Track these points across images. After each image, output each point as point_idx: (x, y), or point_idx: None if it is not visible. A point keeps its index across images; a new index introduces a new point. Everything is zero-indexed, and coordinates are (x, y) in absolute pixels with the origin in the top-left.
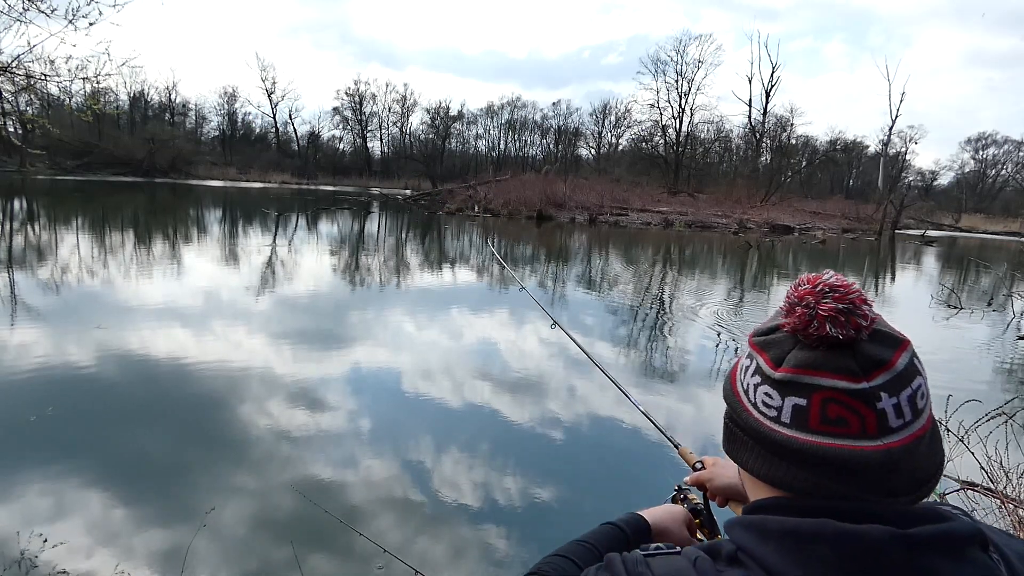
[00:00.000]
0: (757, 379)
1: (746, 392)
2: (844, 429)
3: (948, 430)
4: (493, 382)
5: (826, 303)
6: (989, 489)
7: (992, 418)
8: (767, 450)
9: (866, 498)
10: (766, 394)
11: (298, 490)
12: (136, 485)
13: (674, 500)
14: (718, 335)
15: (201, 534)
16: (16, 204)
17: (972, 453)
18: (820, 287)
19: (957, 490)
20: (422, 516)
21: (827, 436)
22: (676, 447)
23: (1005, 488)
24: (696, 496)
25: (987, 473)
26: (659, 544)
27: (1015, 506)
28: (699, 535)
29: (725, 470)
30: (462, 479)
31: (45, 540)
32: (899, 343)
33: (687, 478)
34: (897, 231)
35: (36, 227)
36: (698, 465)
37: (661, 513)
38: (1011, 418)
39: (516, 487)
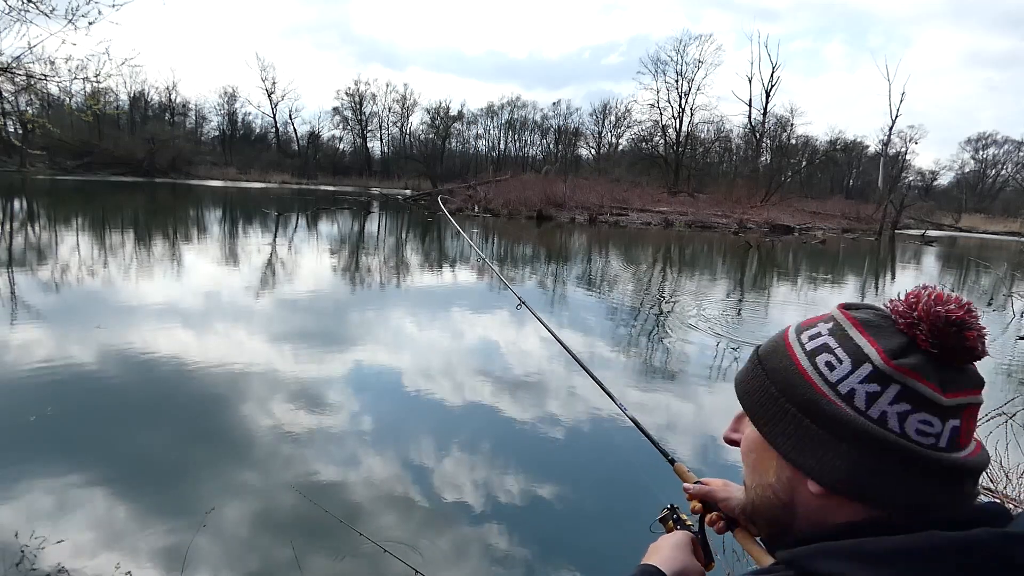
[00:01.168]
0: (906, 406)
1: (888, 421)
2: (970, 439)
3: None
4: (488, 384)
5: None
6: (989, 489)
7: (992, 418)
8: (917, 475)
9: (962, 500)
10: (924, 421)
11: (298, 490)
12: (135, 485)
13: (663, 520)
14: (717, 344)
15: (201, 534)
16: (16, 204)
17: None
18: (967, 306)
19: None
20: (422, 516)
21: (965, 449)
22: (672, 463)
23: (1005, 488)
24: (688, 517)
25: (987, 473)
26: None
27: (1015, 506)
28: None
29: (739, 491)
30: (460, 480)
31: (45, 540)
32: None
33: (690, 487)
34: (897, 231)
35: (36, 227)
36: (698, 485)
37: (672, 552)
38: (1011, 418)
39: (513, 488)
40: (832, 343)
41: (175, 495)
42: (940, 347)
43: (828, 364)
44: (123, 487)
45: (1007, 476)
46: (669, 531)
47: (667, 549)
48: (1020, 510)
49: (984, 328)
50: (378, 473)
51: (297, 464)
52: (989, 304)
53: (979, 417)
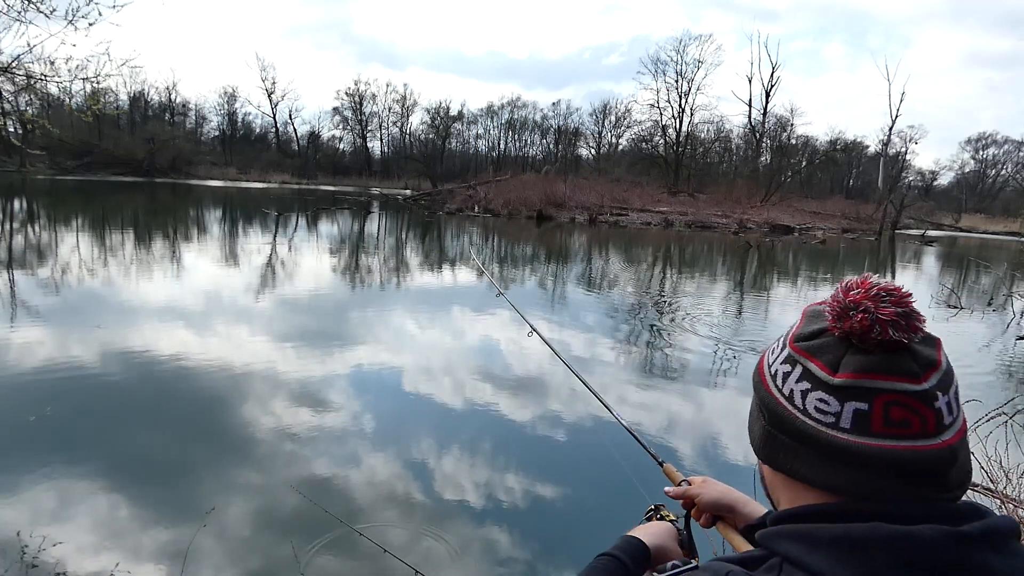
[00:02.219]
0: (806, 385)
1: (790, 398)
2: (907, 431)
3: None
4: (484, 385)
5: (886, 308)
6: (989, 489)
7: (992, 418)
8: (824, 456)
9: (925, 496)
10: (821, 400)
11: (297, 489)
12: (135, 485)
13: (649, 519)
14: (715, 349)
15: (201, 534)
16: (16, 204)
17: (972, 453)
18: (875, 292)
19: (1005, 515)
20: (421, 516)
21: (891, 439)
22: (660, 464)
23: (1005, 488)
24: (672, 514)
25: (987, 473)
26: (675, 562)
27: (1015, 506)
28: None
29: (716, 486)
30: (458, 480)
31: (44, 539)
32: (936, 341)
33: (669, 490)
34: (897, 231)
35: (36, 227)
36: (684, 484)
37: (656, 530)
38: (1011, 418)
39: (511, 489)
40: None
41: (175, 495)
42: (842, 330)
43: (772, 350)
44: (123, 487)
45: (1007, 476)
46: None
47: (650, 527)
48: (1002, 512)
49: (891, 312)
50: (377, 473)
51: (297, 464)
52: (989, 304)
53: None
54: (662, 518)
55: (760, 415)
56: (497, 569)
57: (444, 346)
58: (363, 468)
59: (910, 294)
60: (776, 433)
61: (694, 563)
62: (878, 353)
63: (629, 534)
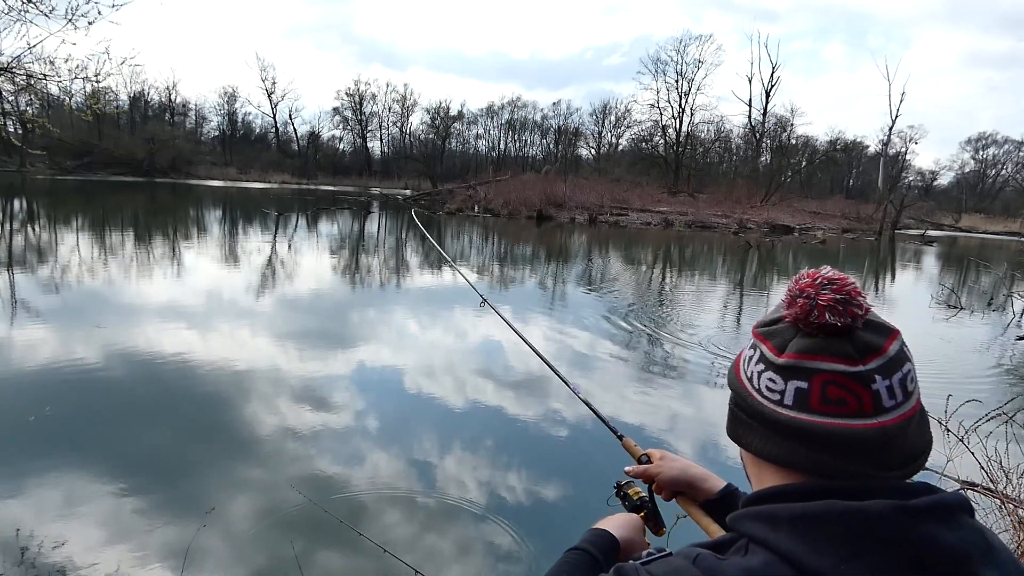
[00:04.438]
0: (761, 366)
1: (750, 379)
2: (843, 409)
3: (948, 430)
4: (481, 384)
5: (825, 294)
6: (989, 489)
7: (992, 418)
8: (771, 431)
9: (863, 472)
10: (770, 379)
11: (297, 490)
12: (134, 485)
13: (617, 494)
14: (715, 343)
15: (201, 534)
16: (16, 204)
17: (972, 453)
18: (819, 280)
19: (957, 490)
20: (421, 516)
21: (827, 416)
22: (620, 438)
23: (1005, 488)
24: (640, 489)
25: (987, 473)
26: (650, 550)
27: (1015, 506)
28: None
29: (674, 463)
30: (459, 479)
31: (44, 538)
32: (891, 332)
33: (630, 468)
34: (897, 231)
35: (36, 227)
36: (643, 458)
37: (623, 521)
38: (1011, 418)
39: (511, 487)
40: None
41: (174, 495)
42: (792, 316)
43: (748, 357)
44: (122, 487)
45: (1007, 476)
46: (623, 502)
47: (618, 519)
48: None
49: (829, 298)
50: (377, 473)
51: (297, 464)
52: (989, 304)
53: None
54: (626, 495)
55: (731, 399)
56: (497, 567)
57: (442, 345)
58: (363, 468)
59: (853, 283)
60: (738, 412)
61: (667, 551)
62: (821, 337)
63: (597, 527)
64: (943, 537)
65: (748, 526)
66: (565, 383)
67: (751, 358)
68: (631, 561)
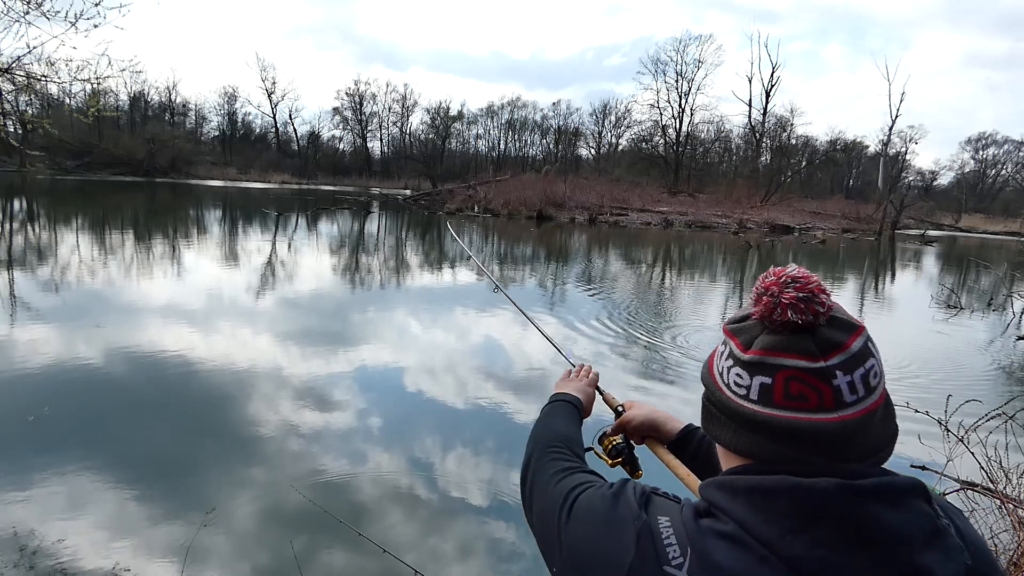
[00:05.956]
0: (730, 362)
1: (721, 375)
2: (804, 404)
3: (948, 430)
4: (484, 381)
5: (788, 292)
6: (989, 489)
7: (992, 418)
8: (739, 425)
9: (823, 464)
10: (737, 375)
11: (297, 490)
12: (134, 484)
13: (600, 441)
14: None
15: (201, 534)
16: (16, 204)
17: (972, 453)
18: (783, 278)
19: (957, 490)
20: (422, 516)
21: (789, 410)
22: (600, 393)
23: (1005, 488)
24: (616, 438)
25: (987, 473)
26: (619, 440)
27: (1015, 506)
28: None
29: (640, 409)
30: (459, 479)
31: (44, 538)
32: (854, 328)
33: (609, 428)
34: (897, 231)
35: (36, 227)
36: (620, 408)
37: (579, 385)
38: (1011, 418)
39: (514, 487)
40: None
41: (174, 495)
42: (759, 314)
43: (720, 353)
44: (122, 486)
45: (1007, 476)
46: (604, 448)
47: (573, 385)
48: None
49: (792, 296)
50: (376, 473)
51: (297, 464)
52: (989, 304)
53: (979, 417)
54: (606, 446)
55: (704, 394)
56: (499, 568)
57: (443, 343)
58: (363, 468)
59: (816, 281)
60: (709, 406)
61: (677, 497)
62: (785, 334)
63: (562, 391)
64: (885, 517)
65: (711, 494)
66: (535, 325)
67: (722, 354)
68: (646, 485)
